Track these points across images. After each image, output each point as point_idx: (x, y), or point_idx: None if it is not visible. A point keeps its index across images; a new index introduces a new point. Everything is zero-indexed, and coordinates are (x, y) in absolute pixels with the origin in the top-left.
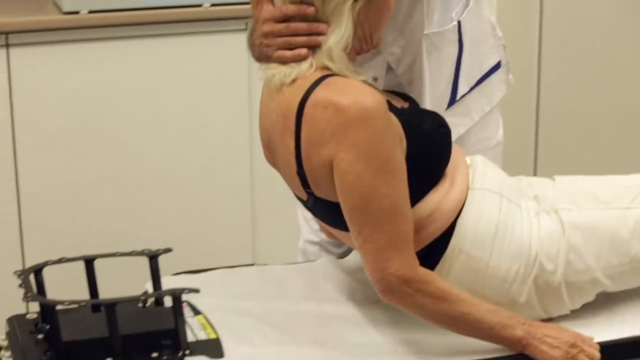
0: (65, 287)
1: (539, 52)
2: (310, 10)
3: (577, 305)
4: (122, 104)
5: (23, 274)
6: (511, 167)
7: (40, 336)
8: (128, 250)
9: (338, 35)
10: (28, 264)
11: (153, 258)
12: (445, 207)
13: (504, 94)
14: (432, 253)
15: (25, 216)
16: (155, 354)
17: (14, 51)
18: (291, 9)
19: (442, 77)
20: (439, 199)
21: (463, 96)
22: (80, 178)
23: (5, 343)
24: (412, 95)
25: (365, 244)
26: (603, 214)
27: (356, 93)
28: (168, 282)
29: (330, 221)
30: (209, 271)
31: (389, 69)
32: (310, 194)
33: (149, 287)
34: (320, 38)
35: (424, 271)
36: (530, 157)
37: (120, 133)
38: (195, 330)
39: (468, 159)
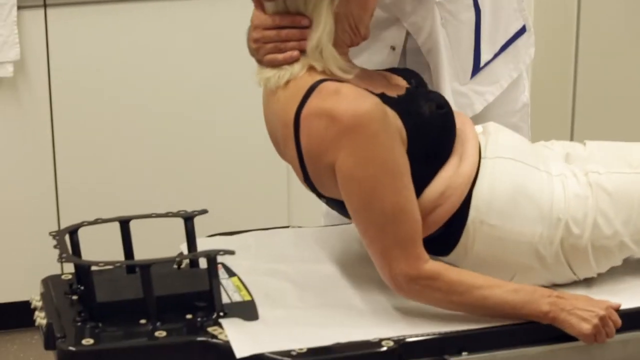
0: (100, 248)
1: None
2: (305, 21)
3: (604, 269)
4: (159, 65)
5: (58, 234)
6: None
7: (74, 297)
8: (163, 211)
9: (318, 32)
10: (63, 225)
11: (188, 219)
12: (457, 182)
13: (532, 58)
14: (452, 229)
15: (60, 177)
16: (189, 316)
17: (51, 11)
18: (285, 20)
19: (462, 44)
20: (448, 176)
21: (488, 63)
22: (116, 139)
23: (39, 304)
24: (431, 64)
25: (371, 244)
26: (633, 178)
27: (348, 99)
28: (203, 244)
29: (345, 215)
30: (244, 233)
31: (408, 36)
32: (321, 195)
33: (184, 249)
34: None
35: (431, 266)
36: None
37: (157, 94)
38: (229, 292)
39: (480, 127)
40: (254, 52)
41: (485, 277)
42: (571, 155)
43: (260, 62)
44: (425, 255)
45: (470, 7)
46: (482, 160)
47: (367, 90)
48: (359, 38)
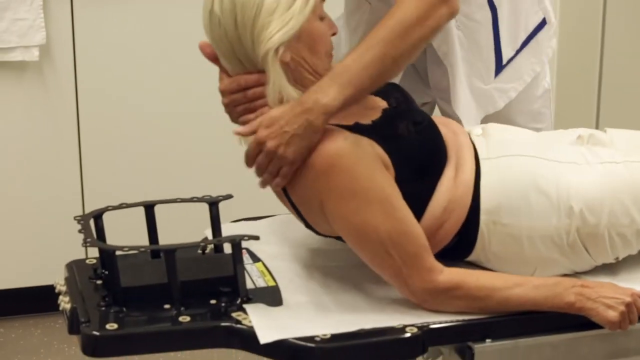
0: (125, 233)
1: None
2: (265, 77)
3: (622, 256)
4: (186, 49)
5: (83, 219)
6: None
7: (99, 282)
8: (188, 196)
9: (270, 86)
10: (88, 210)
11: (213, 204)
12: (457, 194)
13: (555, 49)
14: (466, 236)
15: (85, 162)
16: (213, 301)
17: None
18: (251, 79)
19: (481, 44)
20: (447, 189)
21: (510, 60)
22: (142, 123)
23: (64, 288)
24: (448, 67)
25: (381, 271)
26: None
27: (331, 134)
28: (228, 229)
29: None
30: (268, 218)
31: None
32: (327, 236)
33: (209, 234)
34: None
35: (448, 276)
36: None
37: (182, 78)
38: (254, 277)
39: (479, 129)
40: (229, 115)
41: (505, 276)
42: (591, 139)
43: (236, 123)
44: (437, 266)
45: (485, 6)
46: (485, 162)
47: (337, 125)
48: (320, 76)
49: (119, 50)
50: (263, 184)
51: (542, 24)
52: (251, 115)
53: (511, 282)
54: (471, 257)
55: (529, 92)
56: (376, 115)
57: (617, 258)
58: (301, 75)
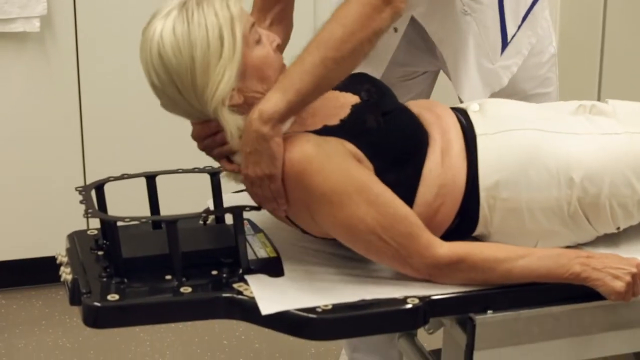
0: (126, 204)
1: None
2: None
3: (623, 226)
4: None
5: (84, 190)
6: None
7: (100, 253)
8: (190, 167)
9: (227, 132)
10: (89, 181)
11: (214, 175)
12: (448, 177)
13: (549, 20)
14: (467, 216)
15: (87, 132)
16: (215, 272)
17: None
18: (214, 125)
19: (489, 26)
20: (436, 175)
21: (513, 36)
22: (143, 94)
23: (65, 259)
24: (445, 52)
25: (381, 260)
26: None
27: (285, 154)
28: (229, 200)
29: None
30: None
31: (413, 21)
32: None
33: (210, 205)
34: None
35: (449, 249)
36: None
37: None
38: (255, 248)
39: (477, 105)
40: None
41: (509, 248)
42: (593, 109)
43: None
44: (435, 240)
45: None
46: (483, 138)
47: (305, 131)
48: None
49: (120, 21)
50: (275, 212)
51: None
52: (228, 167)
53: (515, 253)
54: (475, 233)
55: (535, 59)
56: (345, 113)
57: (618, 228)
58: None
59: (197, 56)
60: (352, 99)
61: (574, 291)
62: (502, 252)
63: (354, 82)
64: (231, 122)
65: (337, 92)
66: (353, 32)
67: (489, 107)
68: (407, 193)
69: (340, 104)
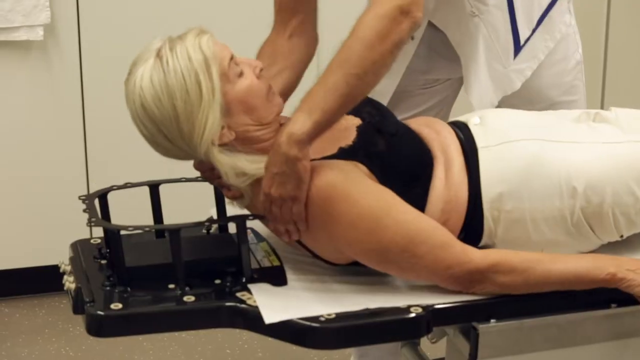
0: (130, 212)
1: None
2: None
3: (627, 234)
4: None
5: (88, 199)
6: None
7: (103, 261)
8: (193, 176)
9: (223, 177)
10: (93, 189)
11: None
12: (451, 195)
13: (570, 24)
14: (472, 229)
15: (90, 141)
16: (218, 281)
17: None
18: (208, 162)
19: (499, 29)
20: (440, 192)
21: (527, 40)
22: None
23: (68, 268)
24: (462, 57)
25: (416, 276)
26: None
27: (317, 172)
28: (232, 209)
29: None
30: None
31: (431, 27)
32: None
33: (213, 213)
34: None
35: (486, 254)
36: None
37: None
38: (258, 256)
39: (478, 118)
40: None
41: (539, 253)
42: (597, 117)
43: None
44: (468, 247)
45: None
46: (484, 151)
47: (323, 157)
48: (269, 128)
49: (123, 30)
50: (289, 236)
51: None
52: (229, 193)
53: (550, 256)
54: (479, 245)
55: (560, 65)
56: (353, 134)
57: (622, 236)
58: (252, 137)
59: (179, 105)
60: (354, 121)
61: (578, 300)
62: (536, 254)
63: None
64: (224, 163)
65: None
66: (372, 46)
67: (490, 119)
68: None
69: (344, 127)
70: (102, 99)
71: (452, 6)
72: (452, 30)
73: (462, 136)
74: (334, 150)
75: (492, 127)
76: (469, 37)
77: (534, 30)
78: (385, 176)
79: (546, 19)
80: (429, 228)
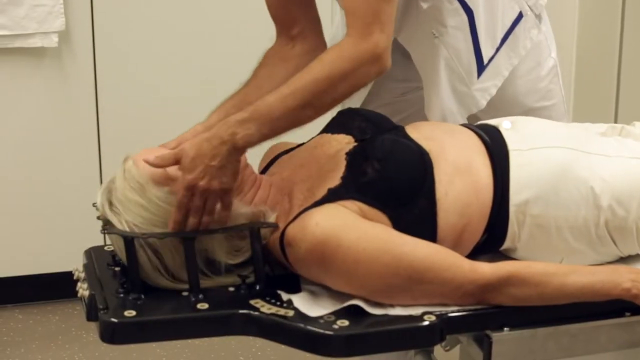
0: None
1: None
2: None
3: None
4: (204, 33)
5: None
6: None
7: (117, 268)
8: None
9: (214, 251)
10: None
11: None
12: (471, 196)
13: (534, 40)
14: (495, 232)
15: (104, 147)
16: (232, 288)
17: None
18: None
19: (460, 50)
20: (455, 196)
21: (491, 59)
22: (161, 109)
23: (82, 275)
24: (424, 77)
25: (431, 301)
26: None
27: (301, 236)
28: None
29: None
30: None
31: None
32: None
33: None
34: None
35: (497, 267)
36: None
37: (201, 63)
38: (272, 263)
39: (509, 123)
40: None
41: (554, 264)
42: (623, 131)
43: None
44: (475, 262)
45: (459, 11)
46: (515, 155)
47: (314, 202)
48: (257, 180)
49: (138, 36)
50: (204, 224)
51: (519, 17)
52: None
53: (563, 268)
54: (501, 248)
55: (535, 72)
56: (341, 167)
57: None
58: (243, 199)
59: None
60: (344, 142)
61: (590, 309)
62: (550, 267)
63: (344, 121)
64: (213, 243)
65: (328, 136)
66: (336, 84)
67: (521, 125)
68: (429, 224)
69: (333, 154)
70: (116, 106)
71: (415, 26)
72: (414, 50)
73: (487, 139)
74: (323, 191)
75: (523, 133)
76: (430, 58)
77: (497, 49)
78: (383, 202)
79: (510, 37)
80: (431, 253)
